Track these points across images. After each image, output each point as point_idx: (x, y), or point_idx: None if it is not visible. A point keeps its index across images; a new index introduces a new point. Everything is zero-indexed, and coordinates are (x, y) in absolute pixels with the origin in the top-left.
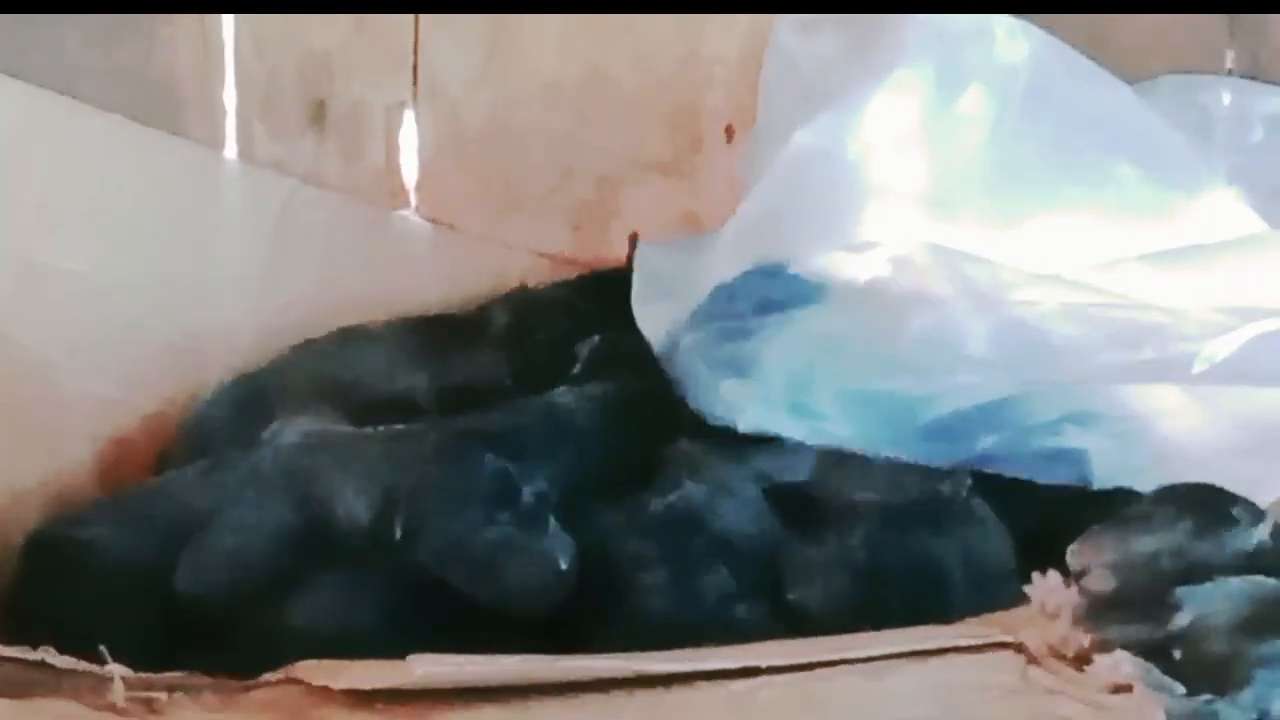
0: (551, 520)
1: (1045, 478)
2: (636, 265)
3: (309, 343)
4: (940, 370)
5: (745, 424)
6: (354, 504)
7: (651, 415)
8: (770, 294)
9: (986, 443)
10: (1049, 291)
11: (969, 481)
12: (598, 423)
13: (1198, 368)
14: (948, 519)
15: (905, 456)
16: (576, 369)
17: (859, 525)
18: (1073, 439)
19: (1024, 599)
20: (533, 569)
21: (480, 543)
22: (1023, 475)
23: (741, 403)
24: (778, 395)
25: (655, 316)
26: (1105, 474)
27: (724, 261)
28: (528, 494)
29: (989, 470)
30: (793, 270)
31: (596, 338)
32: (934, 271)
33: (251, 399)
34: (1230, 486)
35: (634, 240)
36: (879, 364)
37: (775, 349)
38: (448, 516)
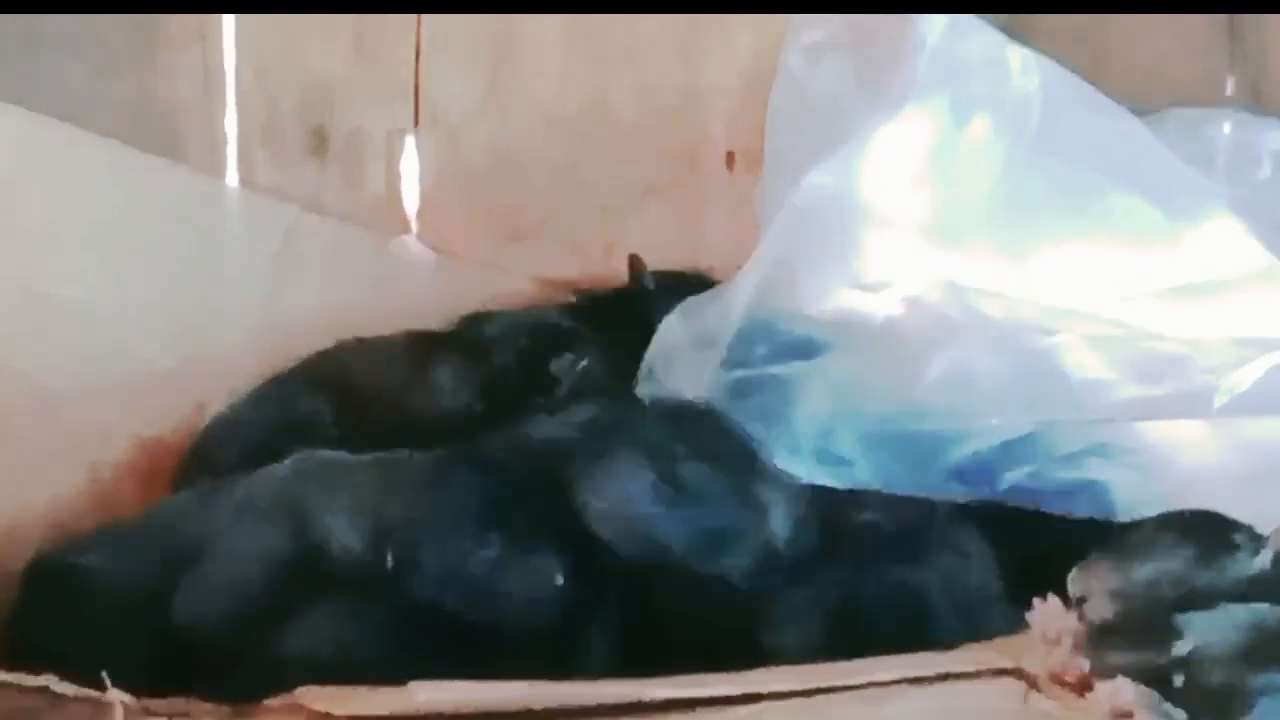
0: (544, 536)
1: (1069, 510)
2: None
3: (320, 355)
4: (962, 411)
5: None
6: (346, 533)
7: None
8: (787, 339)
9: (1011, 479)
10: (1065, 325)
11: (943, 510)
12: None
13: (1219, 401)
14: (924, 550)
15: (931, 495)
16: (560, 391)
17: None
18: (1095, 471)
19: (1023, 625)
20: (529, 587)
21: (474, 565)
22: (1047, 509)
23: (770, 452)
24: (804, 443)
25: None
26: (1127, 505)
27: (740, 308)
28: (518, 512)
29: (1014, 504)
30: (808, 313)
31: (585, 361)
32: (949, 309)
33: (265, 413)
34: (1249, 516)
35: (633, 261)
36: (901, 407)
37: (798, 397)
38: (440, 541)
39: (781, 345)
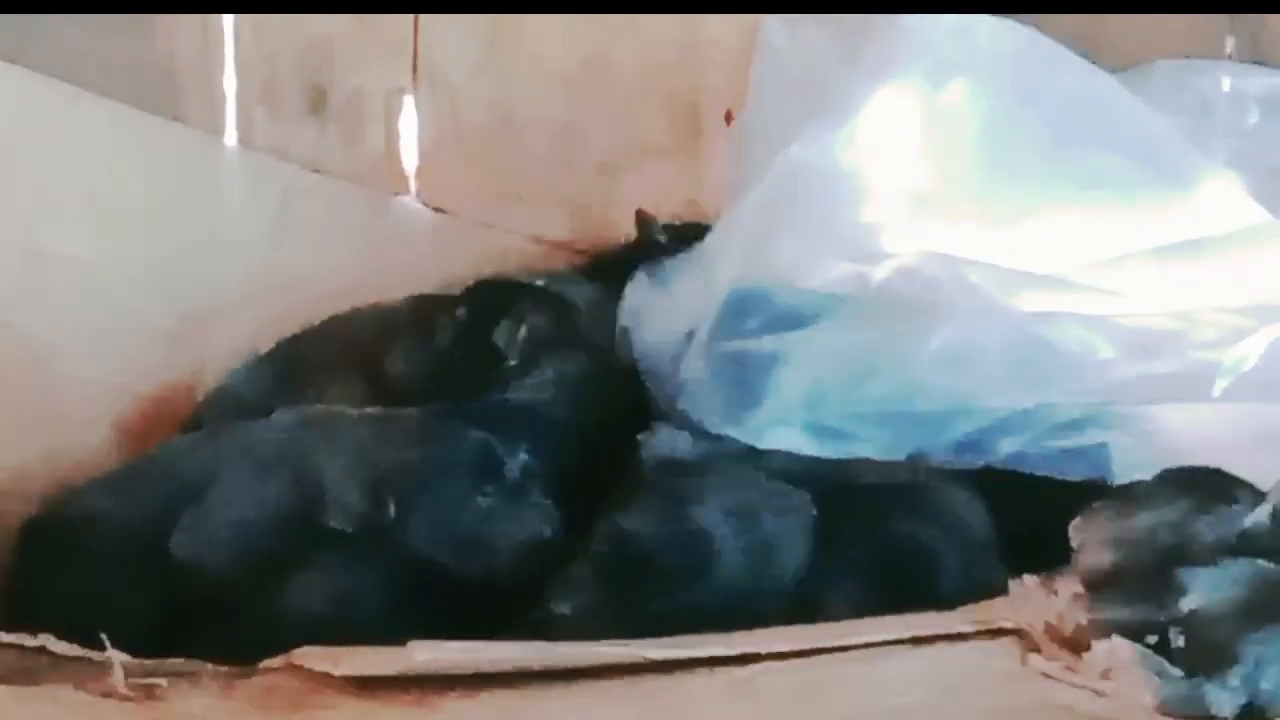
0: (535, 489)
1: (1068, 474)
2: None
3: (327, 321)
4: (960, 391)
5: (766, 444)
6: (344, 486)
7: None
8: (779, 311)
9: (1010, 446)
10: (1059, 298)
11: (928, 465)
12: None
13: (1220, 384)
14: (914, 504)
15: (929, 462)
16: (510, 361)
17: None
18: (1093, 436)
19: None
20: (518, 538)
21: (466, 516)
22: (1046, 473)
23: (760, 425)
24: (795, 416)
25: (649, 320)
26: (1124, 469)
27: (726, 279)
28: (511, 466)
29: (1014, 470)
30: (799, 285)
31: (524, 328)
32: (941, 281)
33: (271, 376)
34: (1250, 479)
35: (641, 216)
36: (901, 384)
37: (789, 370)
38: (435, 493)
39: (773, 317)
